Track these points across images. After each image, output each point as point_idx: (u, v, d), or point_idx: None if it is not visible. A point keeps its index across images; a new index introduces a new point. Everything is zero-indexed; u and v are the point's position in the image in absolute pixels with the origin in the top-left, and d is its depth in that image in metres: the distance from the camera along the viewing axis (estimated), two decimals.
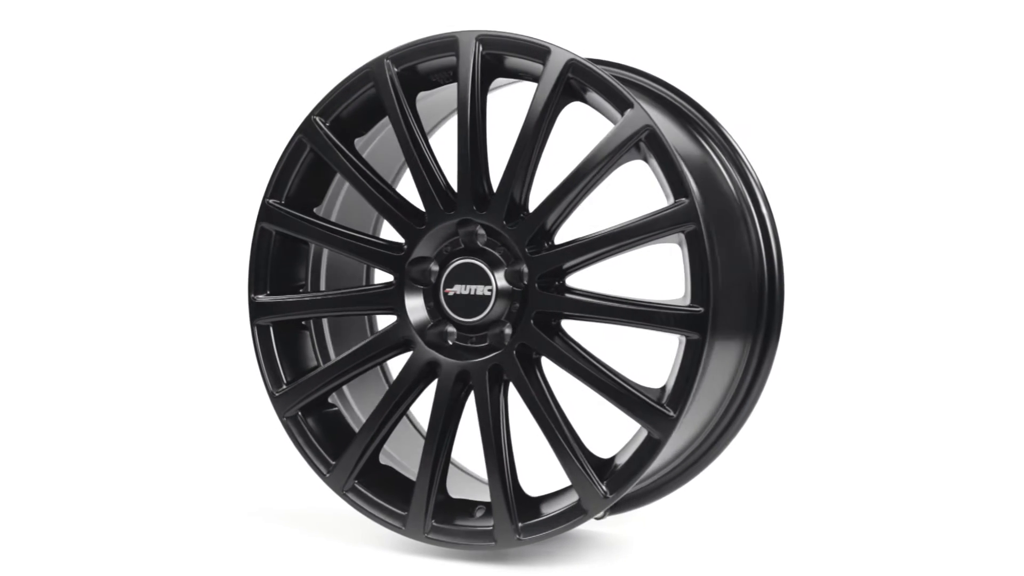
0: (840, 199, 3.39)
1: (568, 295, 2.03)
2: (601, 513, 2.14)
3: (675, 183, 1.94)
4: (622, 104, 1.97)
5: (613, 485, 1.99)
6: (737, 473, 2.60)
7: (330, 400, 2.26)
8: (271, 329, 2.24)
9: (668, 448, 2.03)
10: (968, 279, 3.34)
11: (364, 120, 2.21)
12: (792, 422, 2.98)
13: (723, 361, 2.09)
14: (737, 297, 2.10)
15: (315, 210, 2.26)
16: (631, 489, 2.11)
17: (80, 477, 2.58)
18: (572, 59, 2.01)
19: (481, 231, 2.09)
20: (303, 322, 2.28)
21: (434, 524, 2.11)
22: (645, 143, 1.96)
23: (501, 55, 2.07)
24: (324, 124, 2.18)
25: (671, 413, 1.95)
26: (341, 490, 2.17)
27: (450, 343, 2.12)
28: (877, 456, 2.77)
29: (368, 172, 2.16)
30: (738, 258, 2.11)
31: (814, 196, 3.37)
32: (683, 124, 2.19)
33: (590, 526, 2.27)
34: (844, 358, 3.26)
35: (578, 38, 3.34)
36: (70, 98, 3.48)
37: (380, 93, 2.13)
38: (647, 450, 1.97)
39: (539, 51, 2.03)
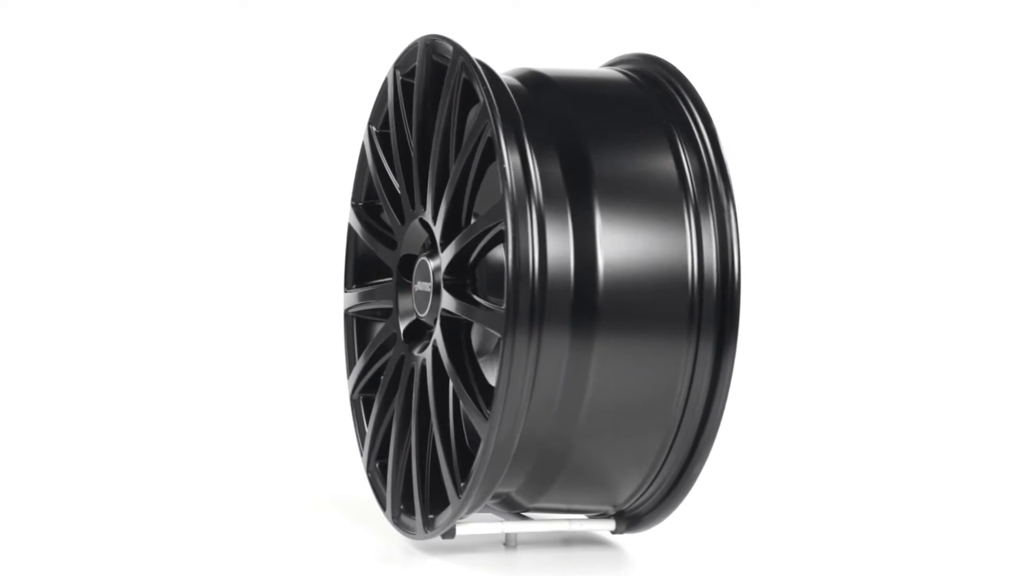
0: (826, 198, 3.38)
1: (452, 294, 2.04)
2: (614, 527, 2.14)
3: (502, 181, 1.92)
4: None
5: (464, 484, 1.99)
6: (733, 483, 2.59)
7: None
8: (354, 319, 2.36)
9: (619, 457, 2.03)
10: (944, 278, 3.34)
11: None
12: (787, 429, 2.97)
13: (638, 364, 1.99)
14: (664, 297, 1.98)
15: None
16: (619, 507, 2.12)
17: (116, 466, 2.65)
18: (463, 59, 2.01)
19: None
20: (378, 313, 2.34)
21: (401, 510, 2.15)
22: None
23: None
24: (376, 130, 2.28)
25: (486, 415, 1.94)
26: (366, 470, 2.26)
27: (425, 338, 2.16)
28: (880, 462, 2.76)
29: (387, 175, 2.24)
30: (666, 255, 1.99)
31: (801, 194, 3.37)
32: (648, 106, 2.10)
33: (608, 537, 2.25)
34: (830, 360, 3.25)
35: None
36: (119, 101, 3.49)
37: (388, 98, 2.22)
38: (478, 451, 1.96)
39: (445, 51, 2.05)
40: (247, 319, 3.34)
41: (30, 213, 3.42)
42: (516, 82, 2.10)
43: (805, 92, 3.42)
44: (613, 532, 2.14)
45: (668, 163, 2.02)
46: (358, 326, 2.36)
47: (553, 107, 2.04)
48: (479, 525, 2.12)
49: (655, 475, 2.06)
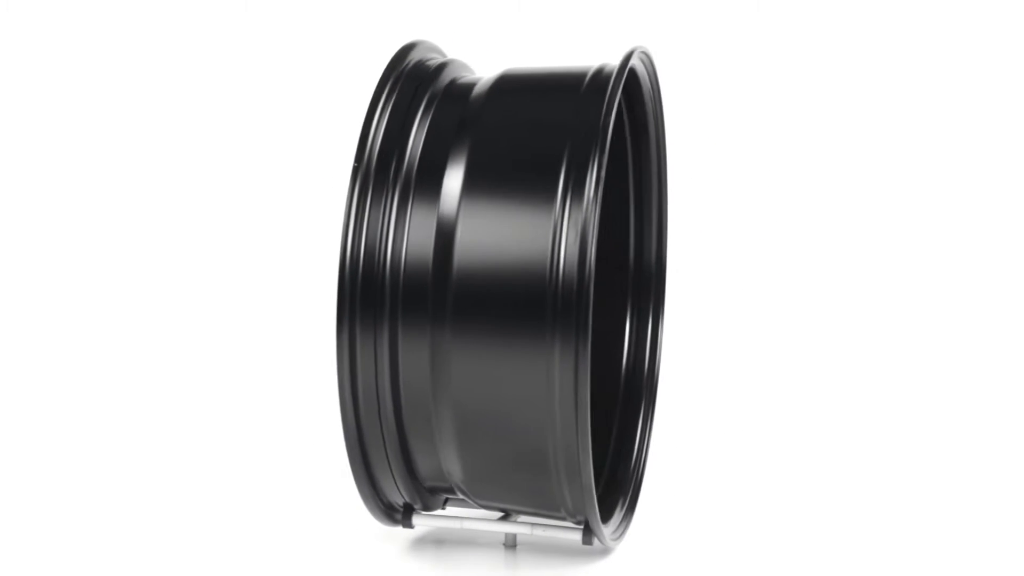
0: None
1: None
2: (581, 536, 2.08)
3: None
4: None
5: None
6: (729, 483, 2.57)
7: None
8: None
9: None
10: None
11: None
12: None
13: (496, 356, 1.91)
14: (518, 288, 1.90)
15: None
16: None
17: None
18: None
19: None
20: None
21: None
22: None
23: None
24: None
25: None
26: None
27: None
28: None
29: None
30: (526, 245, 1.90)
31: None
32: (576, 99, 2.01)
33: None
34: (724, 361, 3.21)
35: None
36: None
37: None
38: None
39: None
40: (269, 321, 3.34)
41: (31, 215, 3.43)
42: (476, 80, 2.09)
43: (803, 94, 3.41)
44: (584, 543, 2.07)
45: (556, 154, 1.93)
46: None
47: (483, 101, 2.02)
48: (428, 519, 2.11)
49: (558, 481, 1.97)
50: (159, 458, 2.63)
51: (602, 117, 1.90)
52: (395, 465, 2.03)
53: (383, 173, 1.97)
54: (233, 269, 3.40)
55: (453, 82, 2.09)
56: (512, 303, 1.89)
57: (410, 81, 2.05)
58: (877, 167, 3.41)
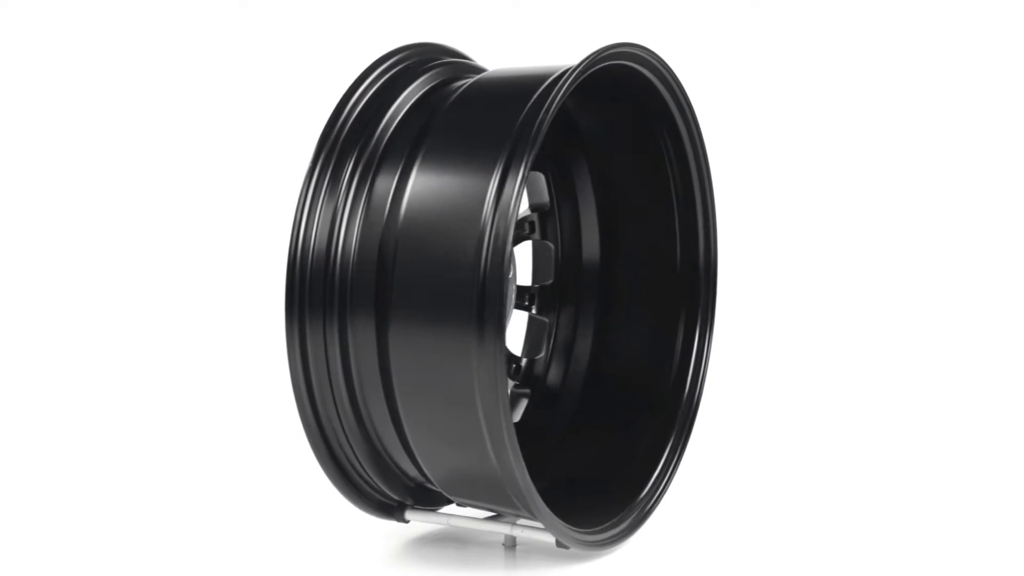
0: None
1: None
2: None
3: None
4: None
5: None
6: (728, 484, 2.54)
7: None
8: None
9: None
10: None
11: None
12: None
13: (431, 355, 1.92)
14: (451, 282, 1.90)
15: None
16: None
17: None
18: None
19: None
20: None
21: None
22: None
23: None
24: None
25: None
26: None
27: None
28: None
29: None
30: (459, 240, 1.91)
31: None
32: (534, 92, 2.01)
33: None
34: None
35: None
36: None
37: None
38: None
39: None
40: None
41: (24, 213, 3.43)
42: (466, 82, 2.09)
43: (802, 93, 3.42)
44: (558, 546, 2.06)
45: (493, 161, 1.93)
46: None
47: (448, 106, 2.04)
48: (421, 515, 2.13)
49: (508, 485, 1.97)
50: (146, 463, 2.63)
51: (537, 122, 1.91)
52: (366, 462, 2.05)
53: (339, 171, 2.01)
54: (207, 265, 3.41)
55: (442, 84, 2.09)
56: (444, 306, 1.91)
57: (390, 83, 2.06)
58: (911, 169, 3.40)
